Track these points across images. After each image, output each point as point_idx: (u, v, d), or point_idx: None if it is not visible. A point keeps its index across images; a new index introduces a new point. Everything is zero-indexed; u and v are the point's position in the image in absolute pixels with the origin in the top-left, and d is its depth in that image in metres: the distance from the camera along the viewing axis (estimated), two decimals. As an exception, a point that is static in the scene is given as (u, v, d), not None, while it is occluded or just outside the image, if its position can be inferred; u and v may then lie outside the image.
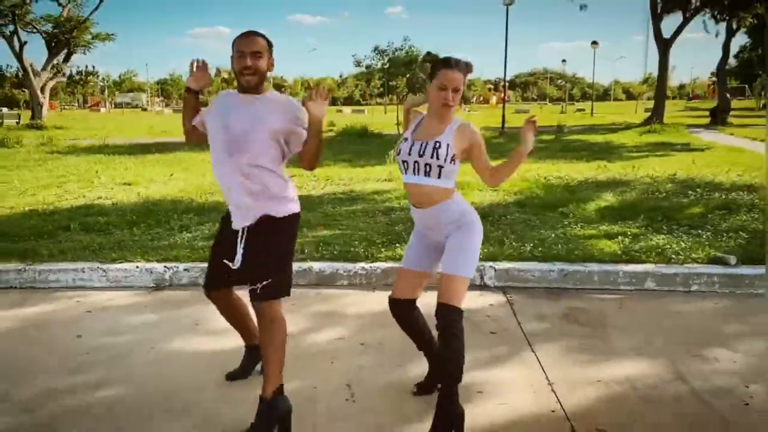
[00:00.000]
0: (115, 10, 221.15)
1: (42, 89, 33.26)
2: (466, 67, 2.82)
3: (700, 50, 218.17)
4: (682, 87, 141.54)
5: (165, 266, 5.09)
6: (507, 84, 28.27)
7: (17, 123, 32.62)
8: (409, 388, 3.28)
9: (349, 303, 4.66)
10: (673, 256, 5.23)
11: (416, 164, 2.83)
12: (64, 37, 33.61)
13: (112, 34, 36.59)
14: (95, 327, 4.21)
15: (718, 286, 4.88)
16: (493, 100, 69.60)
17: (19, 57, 31.50)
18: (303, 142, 2.90)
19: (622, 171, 10.99)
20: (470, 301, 4.67)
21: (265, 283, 2.81)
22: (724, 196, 7.88)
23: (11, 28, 31.10)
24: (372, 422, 2.99)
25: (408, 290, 3.04)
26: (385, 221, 6.70)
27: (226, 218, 3.04)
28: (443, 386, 2.91)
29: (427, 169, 2.82)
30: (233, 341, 3.67)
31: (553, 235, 5.98)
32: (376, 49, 22.95)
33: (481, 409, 3.09)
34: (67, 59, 35.83)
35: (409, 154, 2.84)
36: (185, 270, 5.08)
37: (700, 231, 6.08)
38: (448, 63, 2.77)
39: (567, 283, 5.00)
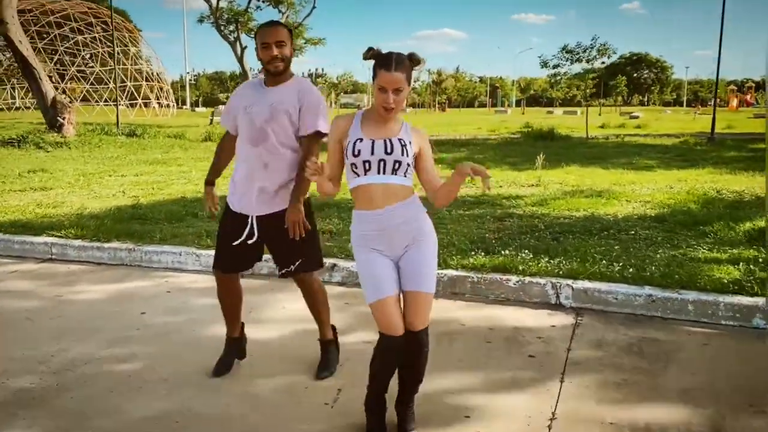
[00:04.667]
0: (330, 14, 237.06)
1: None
2: (410, 64, 2.60)
3: None
4: None
5: (249, 256, 5.36)
6: (754, 85, 25.21)
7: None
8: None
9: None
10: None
11: (382, 162, 2.63)
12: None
13: (322, 39, 39.29)
14: (162, 305, 4.59)
15: None
16: (734, 102, 60.12)
17: (240, 60, 35.12)
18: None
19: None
20: (535, 319, 4.34)
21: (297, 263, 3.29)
22: None
23: (235, 34, 34.77)
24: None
25: (401, 320, 2.69)
26: (493, 227, 6.42)
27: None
28: (407, 402, 2.82)
29: (396, 166, 2.65)
30: (277, 331, 3.78)
31: (667, 256, 5.28)
32: (564, 48, 21.72)
33: (455, 434, 2.86)
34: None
35: (372, 153, 2.64)
36: (265, 260, 5.29)
37: None
38: (387, 64, 2.54)
39: (655, 310, 4.40)
